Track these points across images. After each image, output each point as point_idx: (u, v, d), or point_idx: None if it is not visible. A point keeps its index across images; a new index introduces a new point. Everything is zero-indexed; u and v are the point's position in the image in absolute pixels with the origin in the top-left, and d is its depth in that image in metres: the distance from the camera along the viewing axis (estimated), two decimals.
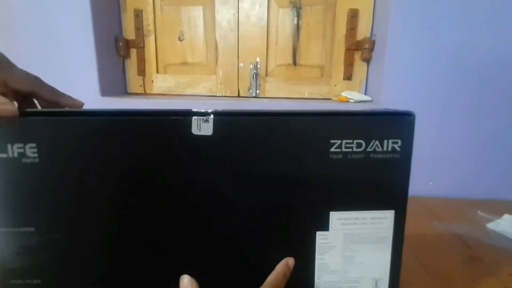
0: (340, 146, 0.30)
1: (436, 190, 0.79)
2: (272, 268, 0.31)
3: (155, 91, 0.97)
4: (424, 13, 0.71)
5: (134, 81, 0.97)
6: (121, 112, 0.29)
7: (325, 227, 0.32)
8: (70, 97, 0.34)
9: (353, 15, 0.83)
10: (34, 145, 0.28)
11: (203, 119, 0.28)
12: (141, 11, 0.91)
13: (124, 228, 0.31)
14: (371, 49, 0.82)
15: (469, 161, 0.77)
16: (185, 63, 0.95)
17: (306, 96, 0.91)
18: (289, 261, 0.31)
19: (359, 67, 0.87)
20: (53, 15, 0.82)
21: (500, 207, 0.67)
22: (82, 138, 0.29)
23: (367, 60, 0.85)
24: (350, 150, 0.30)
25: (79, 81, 0.84)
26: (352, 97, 0.82)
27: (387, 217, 0.32)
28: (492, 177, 0.77)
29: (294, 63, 0.90)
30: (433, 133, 0.76)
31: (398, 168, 0.31)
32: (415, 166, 0.86)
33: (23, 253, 0.30)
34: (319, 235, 0.32)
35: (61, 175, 0.29)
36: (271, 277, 0.30)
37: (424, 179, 0.79)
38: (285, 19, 0.88)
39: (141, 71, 0.96)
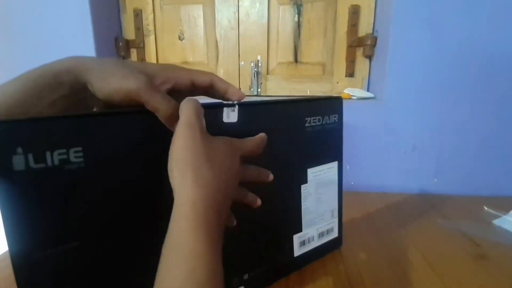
0: (310, 122, 0.42)
1: (440, 186, 0.78)
2: (275, 212, 0.41)
3: None
4: (426, 8, 0.70)
5: None
6: None
7: (305, 181, 0.44)
8: (236, 88, 0.34)
9: (355, 11, 0.83)
10: (79, 148, 0.26)
11: (231, 109, 0.34)
12: (141, 10, 0.91)
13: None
14: (373, 45, 0.82)
15: (474, 157, 0.76)
16: (185, 63, 0.94)
17: (308, 94, 0.90)
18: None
19: (361, 64, 0.86)
20: (53, 15, 0.82)
21: (506, 203, 0.66)
22: (131, 136, 0.29)
23: (369, 57, 0.85)
24: (315, 123, 0.43)
25: None
26: (354, 94, 0.81)
27: (334, 166, 0.47)
28: (498, 172, 0.76)
29: (296, 60, 0.90)
30: (437, 129, 0.75)
31: (337, 132, 0.46)
32: (419, 162, 0.85)
33: (61, 271, 0.27)
34: (303, 187, 0.44)
35: (110, 177, 0.28)
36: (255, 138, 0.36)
37: (428, 176, 0.78)
38: (285, 16, 0.87)
39: None
